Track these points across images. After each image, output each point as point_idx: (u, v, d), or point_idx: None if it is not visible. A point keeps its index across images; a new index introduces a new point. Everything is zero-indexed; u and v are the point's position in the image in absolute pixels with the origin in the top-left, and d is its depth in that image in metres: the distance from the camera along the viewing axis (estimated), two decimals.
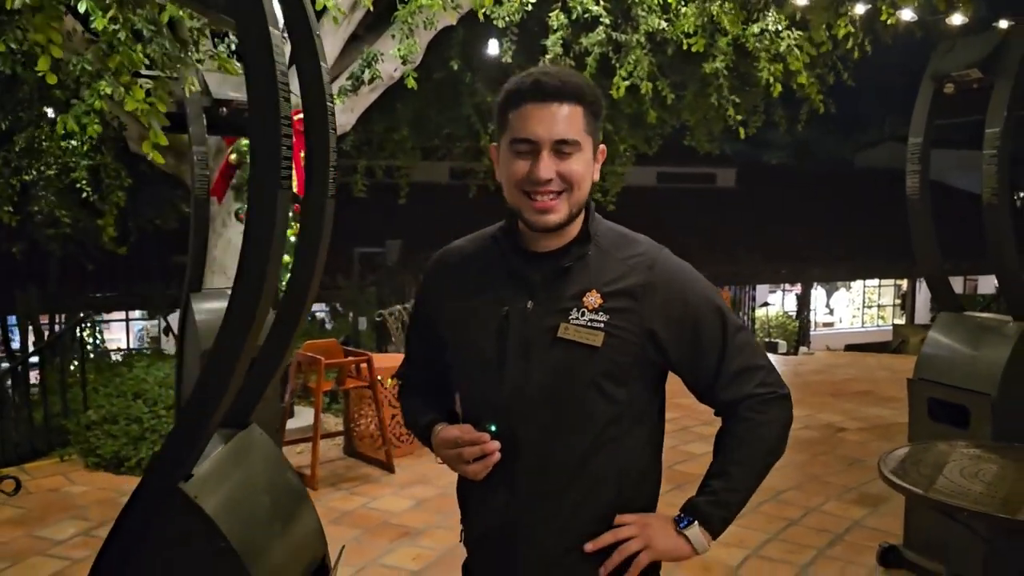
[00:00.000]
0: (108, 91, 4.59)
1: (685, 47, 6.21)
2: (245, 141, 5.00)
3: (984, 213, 3.23)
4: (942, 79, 3.44)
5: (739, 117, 6.90)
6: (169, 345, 9.40)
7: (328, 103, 1.65)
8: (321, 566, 1.80)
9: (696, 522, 1.44)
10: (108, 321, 13.75)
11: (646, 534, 1.43)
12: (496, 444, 1.42)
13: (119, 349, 11.46)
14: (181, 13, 4.41)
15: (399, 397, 1.72)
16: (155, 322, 13.49)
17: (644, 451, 1.51)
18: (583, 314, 1.41)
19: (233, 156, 4.88)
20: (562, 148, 1.38)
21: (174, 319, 10.22)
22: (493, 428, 1.43)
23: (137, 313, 14.19)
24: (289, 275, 1.76)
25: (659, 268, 1.46)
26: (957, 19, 6.90)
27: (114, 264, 12.03)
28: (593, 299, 1.42)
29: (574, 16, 5.93)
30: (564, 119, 1.38)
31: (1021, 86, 3.19)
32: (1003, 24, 5.52)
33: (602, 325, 1.41)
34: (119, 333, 14.21)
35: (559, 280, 1.44)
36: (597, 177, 1.48)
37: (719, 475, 1.48)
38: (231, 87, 3.74)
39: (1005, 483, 2.42)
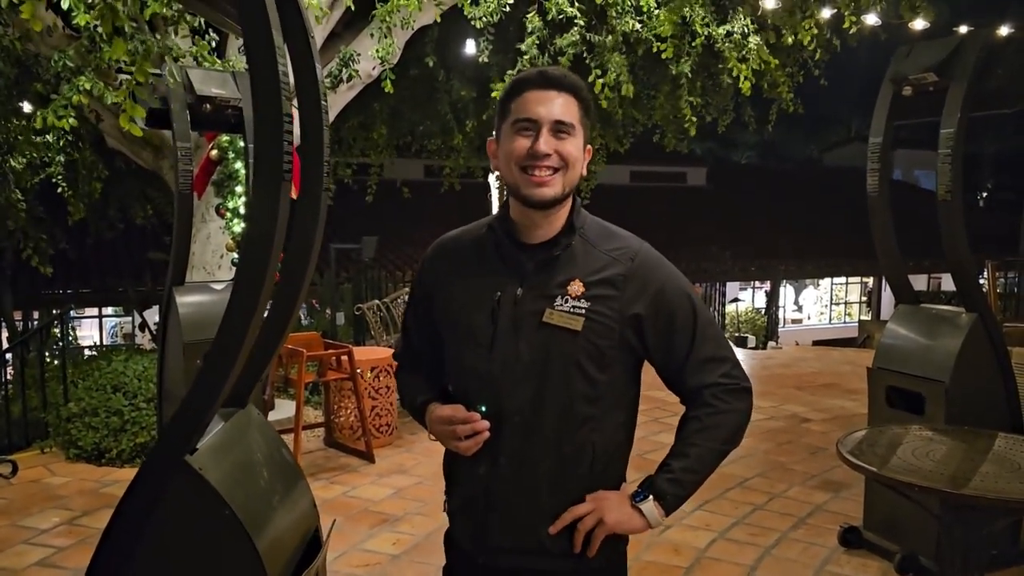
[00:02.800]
0: (88, 86, 4.63)
1: (655, 50, 6.37)
2: (226, 137, 5.06)
3: (939, 210, 3.39)
4: (901, 82, 3.59)
5: (708, 118, 7.08)
6: (145, 340, 9.38)
7: (322, 102, 1.76)
8: (314, 538, 1.90)
9: (651, 497, 1.55)
10: (80, 318, 13.64)
11: (600, 507, 1.55)
12: (486, 423, 1.55)
13: (93, 346, 11.39)
14: (165, 11, 4.46)
15: (396, 375, 1.84)
16: (128, 318, 13.42)
17: (618, 432, 1.62)
18: (566, 301, 1.54)
19: (214, 152, 4.94)
20: (560, 128, 1.53)
21: (149, 315, 10.23)
22: (484, 409, 1.56)
23: (110, 310, 14.09)
24: (284, 264, 1.85)
25: (640, 260, 1.59)
26: (919, 24, 7.14)
27: (86, 260, 11.98)
28: (576, 287, 1.55)
29: (549, 17, 6.05)
30: (562, 104, 1.54)
31: (976, 89, 3.34)
32: (963, 29, 5.77)
33: (583, 312, 1.54)
34: (91, 330, 14.10)
35: (547, 269, 1.57)
36: (584, 172, 1.61)
37: (678, 455, 1.59)
38: (214, 84, 3.81)
39: (953, 461, 2.58)
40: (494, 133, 1.64)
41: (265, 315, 1.84)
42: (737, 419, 1.61)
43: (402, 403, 1.77)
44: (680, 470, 1.57)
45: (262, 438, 1.85)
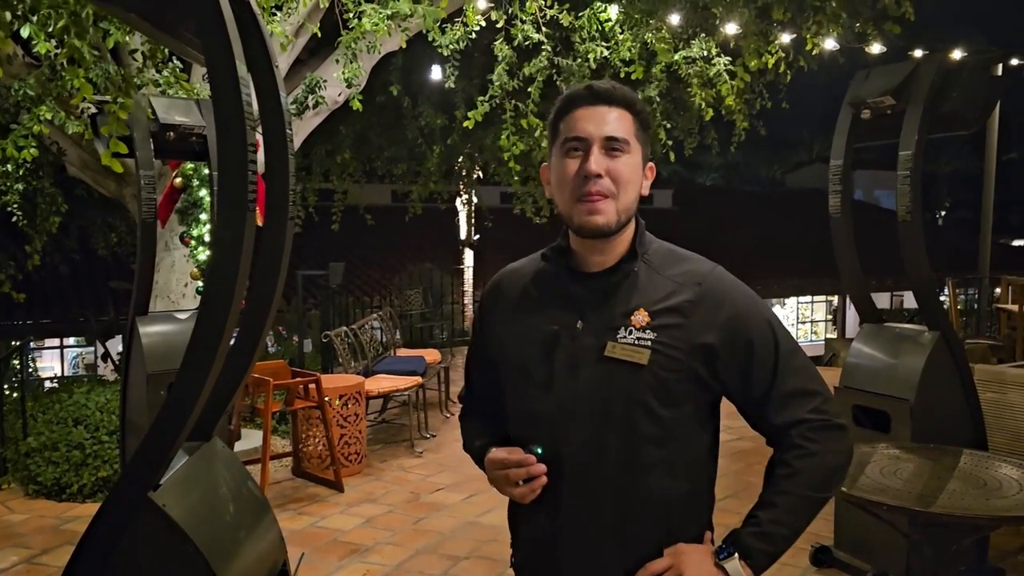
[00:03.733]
0: (48, 116, 4.57)
1: (623, 74, 6.45)
2: (190, 165, 5.02)
3: (899, 230, 3.46)
4: (859, 105, 3.66)
5: (670, 143, 7.18)
6: (107, 371, 9.19)
7: (287, 130, 1.75)
8: (282, 572, 1.87)
9: (736, 555, 1.36)
10: (40, 349, 13.34)
11: (679, 564, 1.38)
12: (542, 467, 1.40)
13: (54, 377, 11.13)
14: (126, 39, 4.43)
15: (460, 419, 1.71)
16: (90, 349, 13.16)
17: (694, 478, 1.45)
18: (630, 332, 1.40)
19: (178, 180, 4.89)
20: (612, 145, 1.39)
21: (112, 345, 10.04)
22: (539, 451, 1.40)
23: (72, 340, 13.81)
24: (248, 293, 1.83)
25: (708, 284, 1.43)
26: (876, 48, 7.33)
27: (46, 290, 11.74)
28: (641, 317, 1.40)
29: (516, 43, 6.10)
30: (614, 119, 1.40)
31: (932, 112, 3.42)
32: (918, 54, 5.90)
33: (649, 343, 1.39)
34: (52, 361, 13.80)
35: (608, 299, 1.44)
36: (646, 192, 1.47)
37: (766, 506, 1.40)
38: (178, 112, 3.78)
39: (921, 479, 2.61)
40: (547, 158, 1.51)
41: (231, 344, 1.82)
42: (832, 461, 1.41)
43: (464, 447, 1.65)
44: (769, 522, 1.38)
45: (228, 471, 1.81)
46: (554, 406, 1.43)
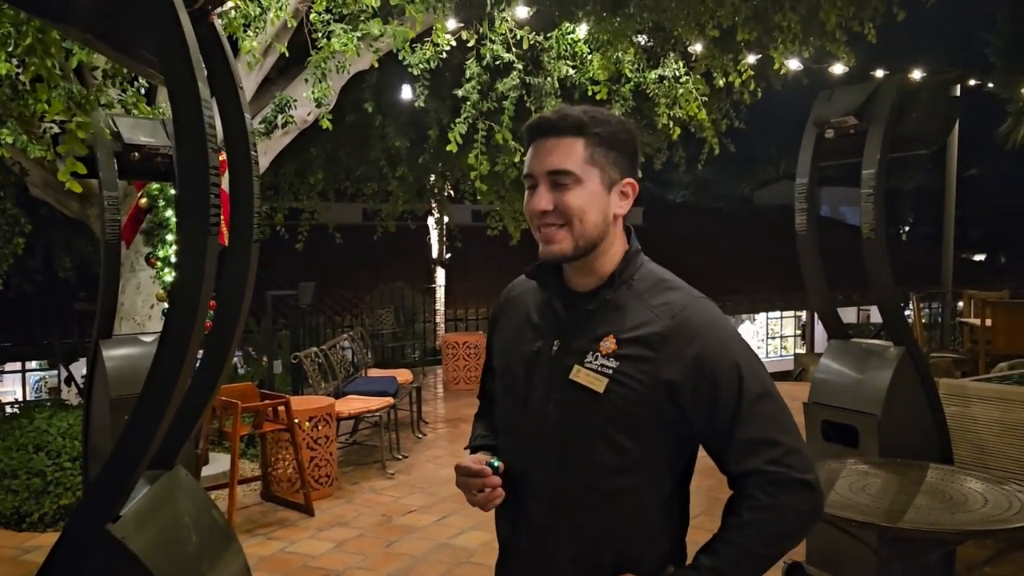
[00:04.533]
0: (10, 140, 4.49)
1: (590, 93, 6.51)
2: (156, 185, 4.96)
3: (864, 247, 3.50)
4: (823, 125, 3.71)
5: (641, 159, 7.24)
6: (71, 395, 9.01)
7: (251, 152, 1.73)
8: None
9: None
10: (1, 373, 13.06)
11: None
12: (496, 480, 1.42)
13: (15, 402, 10.88)
14: (91, 58, 4.37)
15: (475, 419, 1.74)
16: (53, 372, 12.90)
17: (656, 511, 1.42)
18: (596, 358, 1.38)
19: (144, 200, 4.82)
20: (557, 179, 1.38)
21: (75, 368, 9.86)
22: (496, 464, 1.44)
23: (34, 364, 13.52)
24: (214, 315, 1.80)
25: (682, 318, 1.37)
26: (839, 68, 7.47)
27: (8, 312, 11.51)
28: (608, 344, 1.38)
29: (485, 62, 6.13)
30: (559, 152, 1.38)
31: (893, 131, 3.48)
32: (879, 74, 6.00)
33: (610, 371, 1.36)
34: (14, 385, 13.49)
35: (586, 321, 1.42)
36: (623, 211, 1.44)
37: (709, 552, 1.37)
38: (143, 132, 3.73)
39: (889, 495, 2.63)
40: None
41: (196, 367, 1.79)
42: (786, 517, 1.35)
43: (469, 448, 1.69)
44: (708, 570, 1.34)
45: (191, 501, 1.77)
46: (528, 424, 1.44)
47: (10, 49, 3.72)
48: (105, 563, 1.45)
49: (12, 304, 10.95)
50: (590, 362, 1.38)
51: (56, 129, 4.03)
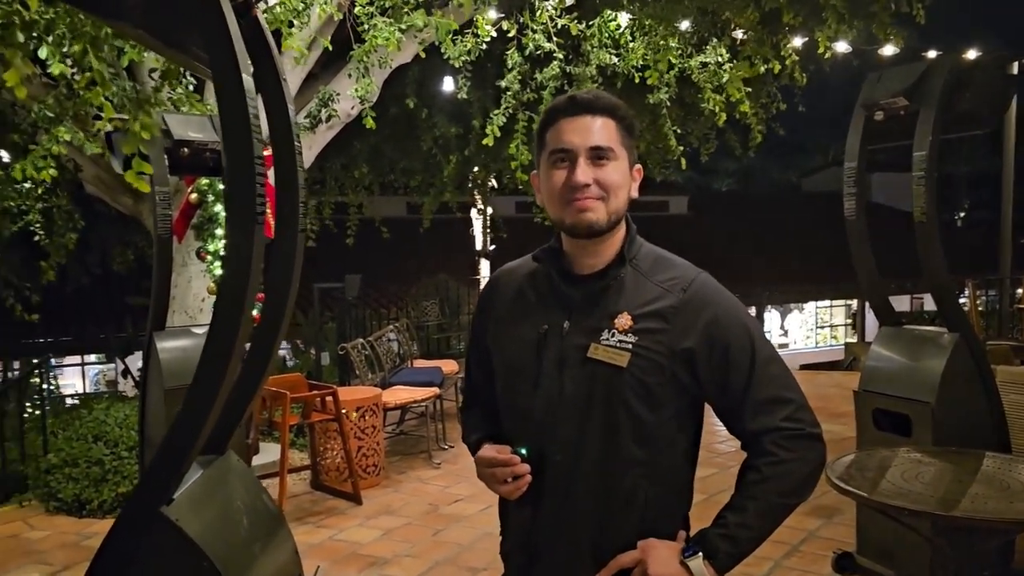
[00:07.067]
0: (67, 137, 4.62)
1: (637, 80, 6.45)
2: (205, 180, 5.05)
3: (916, 231, 3.42)
4: (872, 107, 3.64)
5: (681, 148, 7.15)
6: (128, 387, 9.27)
7: (296, 144, 1.75)
8: None
9: (701, 554, 1.40)
10: (62, 367, 13.48)
11: (646, 559, 1.41)
12: (527, 467, 1.45)
13: (75, 394, 11.24)
14: (143, 56, 4.47)
15: (460, 412, 1.78)
16: (111, 365, 13.27)
17: (674, 479, 1.51)
18: (613, 335, 1.44)
19: (194, 195, 4.92)
20: (597, 155, 1.44)
21: (131, 360, 10.13)
22: (524, 452, 1.46)
23: (93, 357, 13.93)
24: (262, 306, 1.84)
25: (692, 290, 1.47)
26: (889, 50, 7.28)
27: (66, 307, 11.87)
28: (624, 321, 1.45)
29: (527, 52, 6.12)
30: (598, 129, 1.45)
31: (946, 112, 3.39)
32: (932, 54, 5.85)
33: (630, 346, 1.43)
34: (74, 378, 13.93)
35: (595, 302, 1.48)
36: (636, 195, 1.52)
37: (734, 508, 1.44)
38: (192, 128, 3.80)
39: (943, 483, 2.57)
40: (536, 167, 1.57)
41: (244, 357, 1.82)
42: (803, 469, 1.44)
43: (463, 439, 1.72)
44: (735, 525, 1.42)
45: (242, 485, 1.81)
46: (541, 404, 1.48)
47: (64, 50, 3.82)
48: (159, 544, 1.49)
49: (70, 300, 11.29)
50: (607, 339, 1.45)
51: (109, 127, 4.13)
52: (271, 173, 2.15)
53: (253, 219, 1.47)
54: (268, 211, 2.45)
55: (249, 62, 1.54)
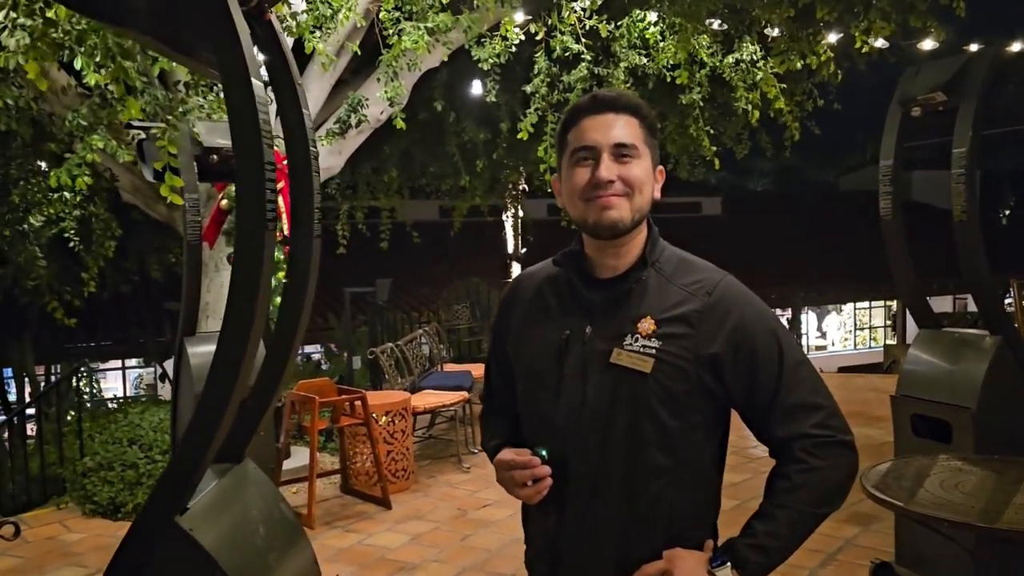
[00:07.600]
0: (101, 145, 4.68)
1: (668, 80, 6.37)
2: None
3: (955, 230, 3.32)
4: (909, 103, 3.54)
5: (714, 148, 7.04)
6: (166, 391, 9.40)
7: (312, 148, 1.73)
8: None
9: (729, 564, 1.36)
10: (104, 370, 13.73)
11: (673, 569, 1.38)
12: (547, 469, 1.42)
13: (115, 397, 11.44)
14: (172, 67, 4.52)
15: (480, 418, 1.75)
16: (151, 369, 13.49)
17: (700, 488, 1.47)
18: (636, 340, 1.41)
19: (224, 202, 4.95)
20: (621, 152, 1.42)
21: (169, 365, 10.28)
22: (544, 453, 1.42)
23: (133, 361, 14.18)
24: (279, 312, 1.82)
25: (717, 293, 1.43)
26: (928, 44, 7.10)
27: (106, 313, 12.08)
28: (647, 325, 1.41)
29: (555, 55, 6.08)
30: (621, 126, 1.43)
31: (986, 107, 3.28)
32: (973, 48, 5.68)
33: (653, 351, 1.40)
34: (115, 382, 14.19)
35: (617, 306, 1.45)
36: (658, 195, 1.48)
37: (763, 517, 1.40)
38: (220, 135, 3.83)
39: (985, 493, 2.47)
40: (558, 170, 1.55)
41: (261, 362, 1.81)
42: (834, 477, 1.40)
43: (481, 445, 1.70)
44: (764, 535, 1.38)
45: (259, 494, 1.79)
46: (563, 410, 1.45)
47: (97, 59, 3.87)
48: (173, 554, 1.48)
49: (109, 306, 11.47)
50: (630, 344, 1.41)
51: (142, 135, 4.18)
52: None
53: (263, 225, 1.44)
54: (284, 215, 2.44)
55: (261, 67, 1.52)
